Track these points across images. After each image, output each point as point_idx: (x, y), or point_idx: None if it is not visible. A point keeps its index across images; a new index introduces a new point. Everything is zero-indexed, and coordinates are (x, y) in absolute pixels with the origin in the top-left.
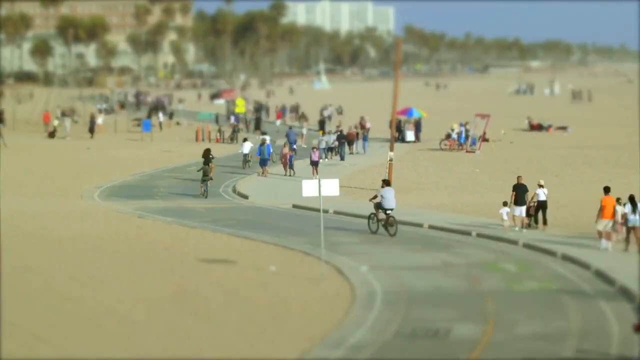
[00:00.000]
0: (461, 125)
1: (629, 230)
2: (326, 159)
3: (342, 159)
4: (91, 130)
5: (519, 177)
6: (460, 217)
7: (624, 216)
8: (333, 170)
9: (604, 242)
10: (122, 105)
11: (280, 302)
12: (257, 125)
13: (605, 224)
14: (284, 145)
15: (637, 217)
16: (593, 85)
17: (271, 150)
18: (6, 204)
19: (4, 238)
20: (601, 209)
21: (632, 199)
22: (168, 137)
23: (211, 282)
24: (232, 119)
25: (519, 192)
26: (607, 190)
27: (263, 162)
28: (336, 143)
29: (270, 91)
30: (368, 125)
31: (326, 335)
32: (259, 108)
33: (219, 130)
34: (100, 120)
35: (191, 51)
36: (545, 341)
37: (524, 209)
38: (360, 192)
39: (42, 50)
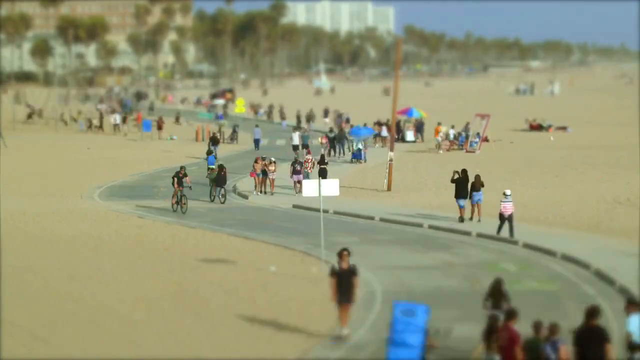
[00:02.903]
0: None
1: None
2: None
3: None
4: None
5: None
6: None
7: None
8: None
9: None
10: (122, 105)
11: (280, 302)
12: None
13: None
14: None
15: None
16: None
17: None
18: (6, 204)
19: (4, 238)
20: None
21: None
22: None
23: (211, 282)
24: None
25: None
26: None
27: None
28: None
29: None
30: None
31: (326, 335)
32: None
33: (219, 130)
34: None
35: (191, 51)
36: None
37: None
38: (360, 192)
39: (42, 50)
